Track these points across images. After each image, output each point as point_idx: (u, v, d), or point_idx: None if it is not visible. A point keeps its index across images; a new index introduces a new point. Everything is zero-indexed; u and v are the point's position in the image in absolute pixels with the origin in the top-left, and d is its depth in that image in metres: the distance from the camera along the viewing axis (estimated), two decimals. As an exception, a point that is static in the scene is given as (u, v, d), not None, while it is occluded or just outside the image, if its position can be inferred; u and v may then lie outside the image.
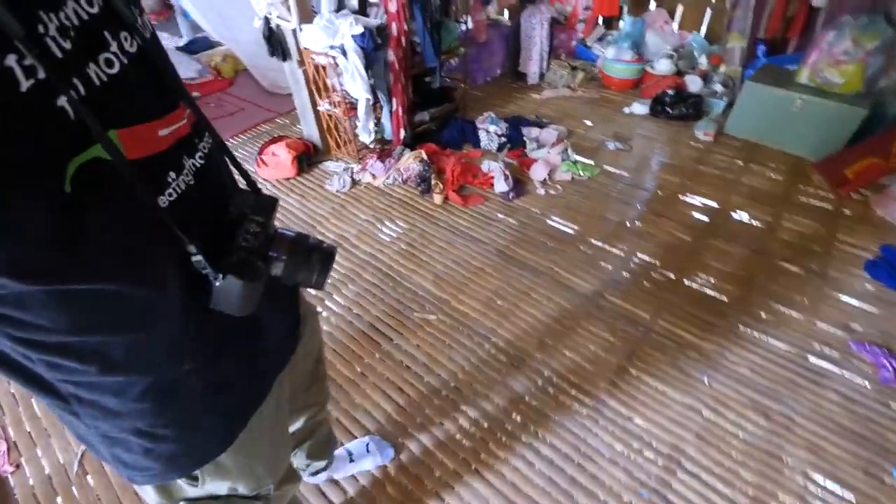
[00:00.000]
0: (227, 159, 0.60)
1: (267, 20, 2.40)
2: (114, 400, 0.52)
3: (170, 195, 0.46)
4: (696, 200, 2.47)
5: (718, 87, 3.24)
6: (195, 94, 3.77)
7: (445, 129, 2.96)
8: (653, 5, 3.74)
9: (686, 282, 2.01)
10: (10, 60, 0.32)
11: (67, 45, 0.37)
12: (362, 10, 2.55)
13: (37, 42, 0.34)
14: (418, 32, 2.53)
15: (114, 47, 0.41)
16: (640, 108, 3.24)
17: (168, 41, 4.91)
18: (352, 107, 2.55)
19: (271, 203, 0.57)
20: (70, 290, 0.41)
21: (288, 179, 2.72)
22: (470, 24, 3.37)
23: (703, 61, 3.45)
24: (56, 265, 0.38)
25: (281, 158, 2.69)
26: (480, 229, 2.31)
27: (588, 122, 3.19)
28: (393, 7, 2.37)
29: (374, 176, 2.63)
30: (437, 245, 2.23)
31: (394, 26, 2.41)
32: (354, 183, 2.64)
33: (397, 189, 2.59)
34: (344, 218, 2.42)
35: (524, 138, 2.86)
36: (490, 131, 2.91)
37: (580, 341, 1.77)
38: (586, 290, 1.97)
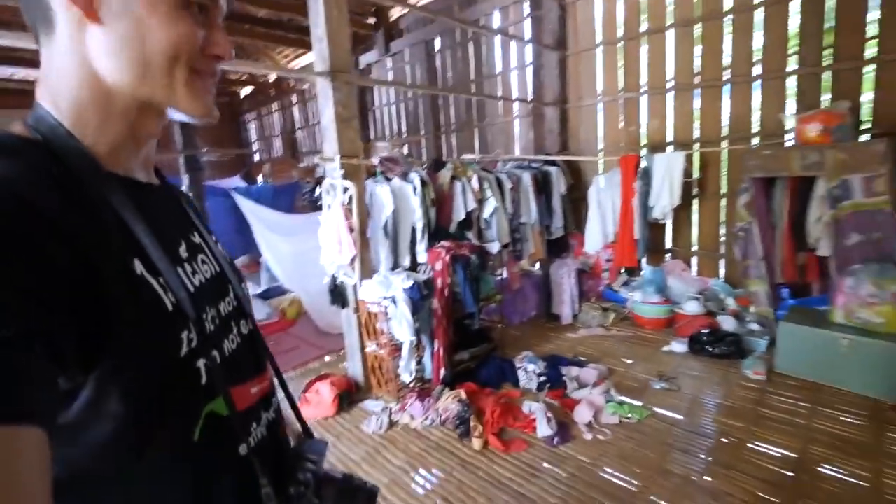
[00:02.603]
0: (289, 405, 0.72)
1: (334, 277, 2.89)
2: None
3: (249, 443, 0.55)
4: (770, 450, 2.18)
5: (755, 326, 3.28)
6: (261, 333, 4.24)
7: (484, 367, 3.03)
8: (668, 257, 4.21)
9: (792, 566, 1.59)
10: (184, 335, 0.47)
11: (213, 326, 0.54)
12: (413, 267, 3.05)
13: (200, 323, 0.50)
14: (460, 284, 2.92)
15: (236, 330, 0.59)
16: (678, 346, 3.26)
17: (249, 289, 5.88)
18: (396, 348, 2.75)
19: (323, 447, 0.66)
20: None
21: (326, 419, 2.72)
22: (505, 275, 3.87)
23: (730, 302, 3.61)
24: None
25: (323, 396, 2.76)
26: (525, 482, 2.07)
27: (628, 361, 3.19)
28: (439, 266, 2.84)
29: (412, 417, 2.59)
30: (477, 501, 1.98)
31: (439, 281, 2.82)
32: (392, 424, 2.59)
33: (435, 431, 2.50)
34: (377, 464, 2.27)
35: (564, 378, 2.85)
36: (529, 370, 2.95)
37: None
38: (662, 574, 1.58)
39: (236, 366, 0.56)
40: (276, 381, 0.68)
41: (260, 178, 9.41)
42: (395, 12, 6.21)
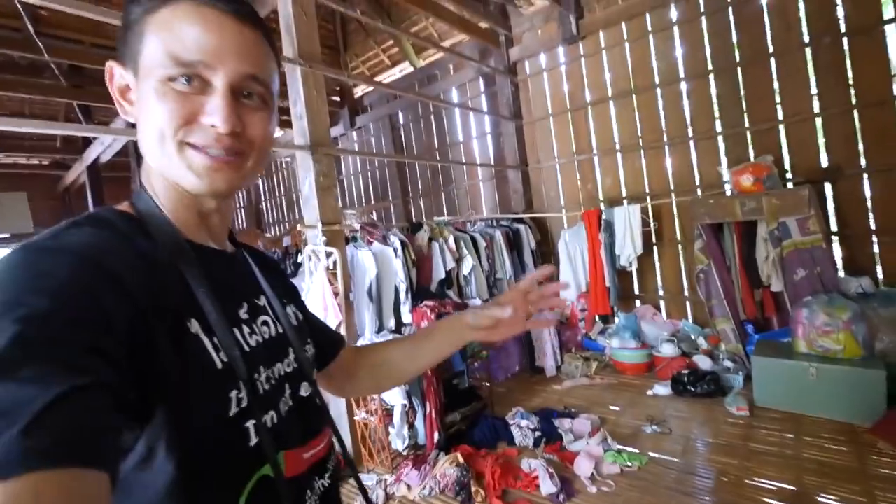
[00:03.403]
0: (352, 473, 0.70)
1: (318, 345, 2.82)
2: None
3: None
4: (768, 484, 2.21)
5: (728, 364, 3.43)
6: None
7: (477, 428, 2.95)
8: (638, 303, 4.41)
9: None
10: (233, 394, 0.47)
11: (267, 387, 0.53)
12: (398, 329, 3.02)
13: (252, 383, 0.50)
14: (446, 342, 2.91)
15: (290, 392, 0.58)
16: (661, 389, 3.33)
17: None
18: (387, 414, 2.65)
19: None
20: None
21: (314, 500, 2.50)
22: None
23: (702, 342, 3.78)
24: None
25: (310, 475, 2.57)
26: (537, 546, 1.97)
27: (616, 408, 3.20)
28: (425, 325, 2.84)
29: (409, 487, 2.44)
30: (490, 573, 1.85)
31: (426, 340, 2.81)
32: (388, 498, 2.42)
33: (434, 501, 2.36)
34: (377, 544, 2.10)
35: (559, 431, 2.82)
36: (522, 426, 2.89)
37: None
38: None
39: (289, 429, 0.54)
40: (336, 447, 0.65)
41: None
42: (359, 90, 6.64)
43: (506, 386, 3.86)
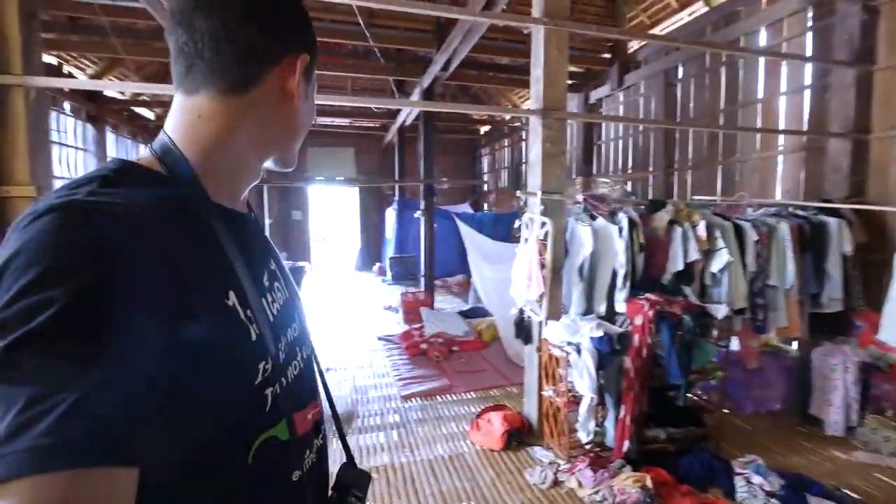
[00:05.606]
0: (336, 430, 0.70)
1: (521, 311, 2.85)
2: None
3: (301, 470, 0.55)
4: None
5: None
6: (455, 348, 4.54)
7: (686, 457, 2.43)
8: None
9: None
10: (261, 365, 0.48)
11: (283, 355, 0.54)
12: (609, 317, 2.72)
13: (276, 354, 0.51)
14: (664, 347, 2.45)
15: (300, 356, 0.59)
16: None
17: (457, 306, 6.44)
18: (574, 400, 2.49)
19: (367, 479, 0.64)
20: None
21: (493, 451, 2.66)
22: (735, 347, 3.05)
23: None
24: None
25: (494, 427, 2.73)
26: None
27: (948, 527, 2.02)
28: (638, 321, 2.45)
29: (580, 484, 2.27)
30: None
31: (636, 338, 2.43)
32: (556, 483, 2.33)
33: (605, 512, 2.12)
34: (531, 522, 2.08)
35: (811, 512, 2.01)
36: (754, 482, 2.21)
37: None
38: None
39: (297, 391, 0.55)
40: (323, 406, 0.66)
41: (486, 206, 10.33)
42: (634, 44, 5.89)
43: (751, 423, 2.99)
